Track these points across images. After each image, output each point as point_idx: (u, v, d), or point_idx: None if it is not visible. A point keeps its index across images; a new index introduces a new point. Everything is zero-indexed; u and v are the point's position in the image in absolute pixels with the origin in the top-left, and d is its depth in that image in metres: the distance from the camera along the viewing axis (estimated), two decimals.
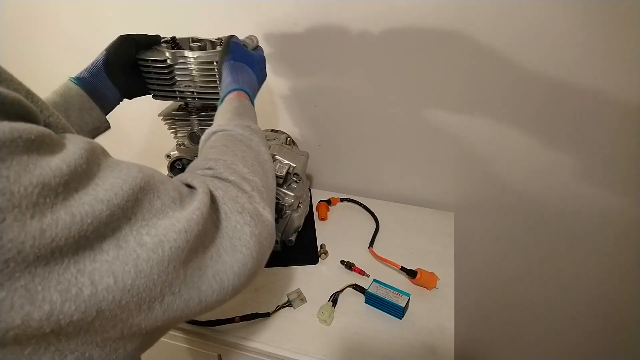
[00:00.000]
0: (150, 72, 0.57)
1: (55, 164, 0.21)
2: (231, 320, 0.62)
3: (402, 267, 0.69)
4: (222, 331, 0.61)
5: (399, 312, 0.62)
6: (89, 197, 0.22)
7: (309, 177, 0.98)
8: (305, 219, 0.78)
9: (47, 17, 0.94)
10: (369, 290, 0.64)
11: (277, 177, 0.67)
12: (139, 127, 1.02)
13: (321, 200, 0.89)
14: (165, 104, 0.68)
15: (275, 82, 0.86)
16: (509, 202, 0.86)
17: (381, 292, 0.64)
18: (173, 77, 0.57)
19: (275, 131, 0.85)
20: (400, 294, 0.63)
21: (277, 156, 0.70)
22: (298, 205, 0.72)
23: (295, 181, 0.69)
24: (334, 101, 0.84)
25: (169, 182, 0.29)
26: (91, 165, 0.24)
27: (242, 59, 0.54)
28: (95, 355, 0.24)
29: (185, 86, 0.58)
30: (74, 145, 0.23)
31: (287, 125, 0.91)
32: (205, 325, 0.62)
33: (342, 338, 0.60)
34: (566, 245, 0.88)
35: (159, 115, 0.65)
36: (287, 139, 0.80)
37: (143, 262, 0.24)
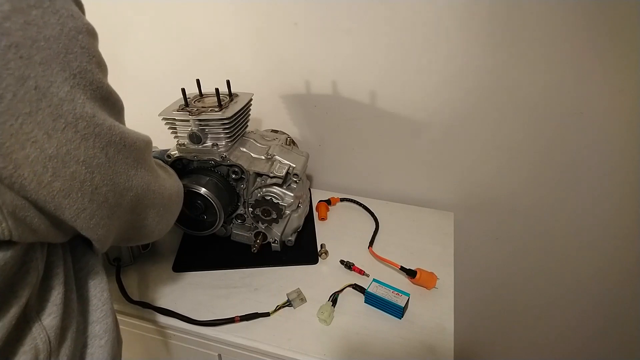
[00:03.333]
0: None
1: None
2: (231, 320, 0.62)
3: (401, 267, 0.70)
4: (222, 331, 0.61)
5: (398, 311, 0.62)
6: None
7: (309, 177, 0.98)
8: (305, 219, 0.78)
9: None
10: (368, 290, 0.64)
11: (277, 177, 0.67)
12: (138, 127, 1.02)
13: (321, 200, 0.89)
14: (166, 104, 0.68)
15: (275, 82, 0.86)
16: (509, 202, 0.86)
17: (381, 292, 0.64)
18: None
19: (275, 131, 0.85)
20: (400, 294, 0.64)
21: (276, 156, 0.70)
22: (298, 206, 0.72)
23: (295, 181, 0.69)
24: (334, 101, 0.84)
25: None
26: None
27: None
28: None
29: None
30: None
31: (287, 125, 0.91)
32: (205, 325, 0.62)
33: (341, 338, 0.60)
34: (566, 245, 0.88)
35: (159, 115, 0.65)
36: (287, 139, 0.80)
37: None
